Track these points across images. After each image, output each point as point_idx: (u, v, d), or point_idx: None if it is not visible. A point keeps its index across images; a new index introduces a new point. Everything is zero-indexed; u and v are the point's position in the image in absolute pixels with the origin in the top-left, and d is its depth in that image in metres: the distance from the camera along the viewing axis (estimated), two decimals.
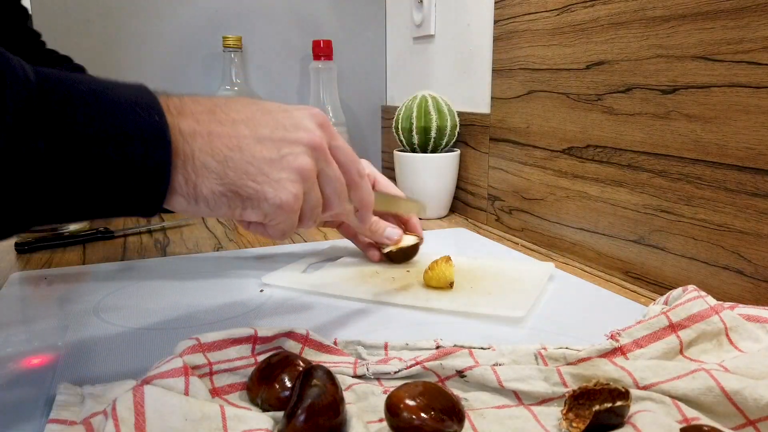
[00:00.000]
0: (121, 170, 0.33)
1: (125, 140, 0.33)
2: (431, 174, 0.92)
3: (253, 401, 0.37)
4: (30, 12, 0.75)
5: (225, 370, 0.39)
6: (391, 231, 0.63)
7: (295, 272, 0.63)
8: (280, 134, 0.40)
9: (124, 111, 0.34)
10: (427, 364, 0.39)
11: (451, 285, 0.57)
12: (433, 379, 0.39)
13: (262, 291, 0.59)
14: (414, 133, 0.91)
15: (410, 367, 0.39)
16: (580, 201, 0.70)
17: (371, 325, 0.51)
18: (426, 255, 0.68)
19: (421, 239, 0.66)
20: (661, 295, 0.52)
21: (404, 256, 0.65)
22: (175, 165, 0.36)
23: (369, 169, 0.67)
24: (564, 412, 0.35)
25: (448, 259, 0.58)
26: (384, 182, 0.65)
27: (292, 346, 0.42)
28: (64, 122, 0.31)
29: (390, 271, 0.63)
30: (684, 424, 0.31)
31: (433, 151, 0.93)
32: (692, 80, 0.54)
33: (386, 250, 0.64)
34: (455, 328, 0.50)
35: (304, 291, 0.59)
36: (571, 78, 0.70)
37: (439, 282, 0.57)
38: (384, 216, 0.66)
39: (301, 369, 0.37)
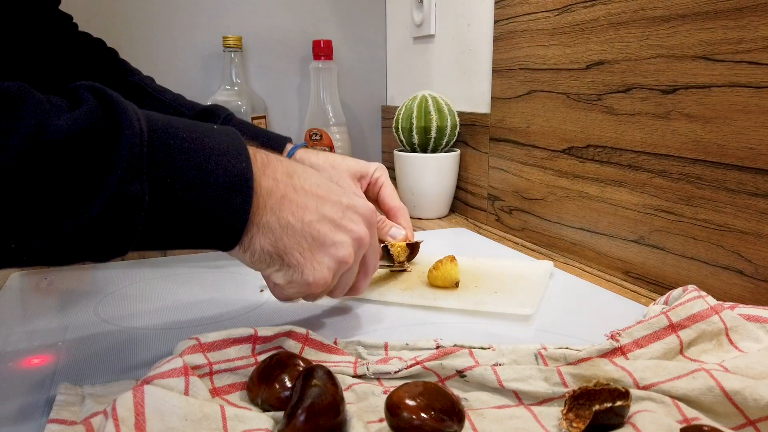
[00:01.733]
0: (207, 212, 0.37)
1: (217, 183, 0.37)
2: (431, 174, 0.92)
3: (253, 401, 0.37)
4: None
5: (225, 370, 0.39)
6: (395, 231, 0.65)
7: None
8: (339, 220, 0.43)
9: (218, 158, 0.37)
10: (428, 364, 0.39)
11: (456, 284, 0.57)
12: (433, 379, 0.39)
13: (262, 291, 0.59)
14: (414, 133, 0.91)
15: (410, 366, 0.39)
16: (580, 201, 0.70)
17: (372, 325, 0.51)
18: (427, 255, 0.68)
19: (420, 241, 0.66)
20: (661, 295, 0.52)
21: (406, 253, 0.65)
22: (252, 212, 0.39)
23: (380, 173, 0.67)
24: (564, 412, 0.35)
25: (452, 258, 0.58)
26: (388, 192, 0.66)
27: (292, 346, 0.42)
28: (166, 169, 0.35)
29: (390, 272, 0.63)
30: (684, 424, 0.31)
31: (433, 151, 0.93)
32: (692, 80, 0.54)
33: (391, 243, 0.64)
34: (456, 328, 0.50)
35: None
36: (571, 78, 0.70)
37: (444, 282, 0.57)
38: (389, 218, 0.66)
39: (301, 369, 0.37)
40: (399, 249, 0.63)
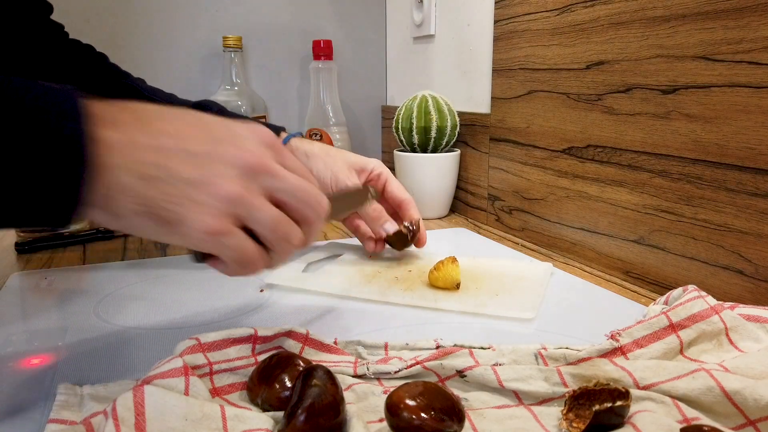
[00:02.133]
0: (30, 180, 0.31)
1: (30, 151, 0.30)
2: (431, 174, 0.92)
3: (253, 401, 0.37)
4: (53, 7, 0.75)
5: (225, 370, 0.39)
6: (389, 225, 0.66)
7: (296, 272, 0.63)
8: (210, 150, 0.35)
9: (41, 115, 0.31)
10: (428, 364, 0.39)
11: (457, 286, 0.57)
12: (434, 379, 0.39)
13: (262, 291, 0.59)
14: (414, 133, 0.91)
15: (410, 366, 0.39)
16: (580, 201, 0.70)
17: (372, 325, 0.51)
18: (428, 255, 0.68)
19: (415, 229, 0.66)
20: (661, 295, 0.52)
21: (403, 241, 0.66)
22: (89, 177, 0.32)
23: (381, 168, 0.68)
24: (564, 412, 0.35)
25: (453, 259, 0.58)
26: (395, 186, 0.67)
27: (292, 346, 0.42)
28: None
29: (392, 271, 0.63)
30: (684, 424, 0.31)
31: (434, 151, 0.93)
32: (692, 80, 0.54)
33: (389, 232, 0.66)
34: (456, 328, 0.50)
35: (307, 291, 0.58)
36: (571, 78, 0.70)
37: (445, 283, 0.57)
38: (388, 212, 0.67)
39: (301, 369, 0.37)
40: (392, 238, 0.65)
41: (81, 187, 0.31)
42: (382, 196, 0.68)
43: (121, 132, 0.33)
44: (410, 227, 0.65)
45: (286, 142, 0.68)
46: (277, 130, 0.70)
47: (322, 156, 0.66)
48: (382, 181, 0.68)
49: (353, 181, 0.65)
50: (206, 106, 0.71)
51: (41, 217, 0.32)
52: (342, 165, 0.66)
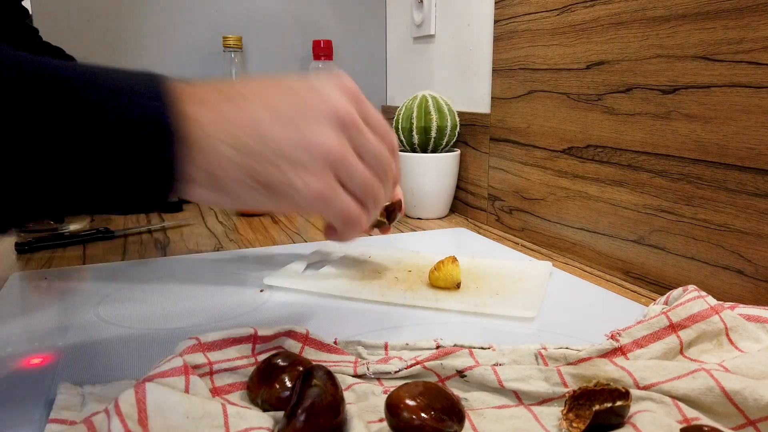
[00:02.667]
0: (122, 163, 0.31)
1: (121, 130, 0.30)
2: (431, 174, 0.92)
3: (253, 401, 0.37)
4: (30, 12, 0.76)
5: (225, 370, 0.39)
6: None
7: (296, 273, 0.63)
8: (300, 107, 0.35)
9: (122, 99, 0.30)
10: (428, 364, 0.39)
11: (458, 286, 0.57)
12: (434, 379, 0.39)
13: (262, 291, 0.59)
14: (414, 133, 0.91)
15: (410, 366, 0.39)
16: (580, 201, 0.70)
17: (372, 325, 0.51)
18: (429, 255, 0.68)
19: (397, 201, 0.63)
20: (661, 295, 0.52)
21: (381, 224, 0.63)
22: (184, 155, 0.32)
23: None
24: (564, 412, 0.35)
25: (454, 259, 0.58)
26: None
27: (292, 346, 0.42)
28: (60, 110, 0.29)
29: (392, 271, 0.63)
30: (684, 424, 0.31)
31: (434, 151, 0.93)
32: (692, 80, 0.54)
33: None
34: (456, 328, 0.50)
35: (307, 293, 0.58)
36: (571, 78, 0.70)
37: (446, 282, 0.57)
38: None
39: (301, 369, 0.37)
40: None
41: (175, 163, 0.31)
42: None
43: (209, 107, 0.33)
44: (386, 207, 0.62)
45: None
46: None
47: None
48: None
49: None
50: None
51: (144, 197, 0.32)
52: None
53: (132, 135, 0.30)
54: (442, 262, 0.58)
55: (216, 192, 0.34)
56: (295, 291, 0.59)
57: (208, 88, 0.35)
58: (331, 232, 0.41)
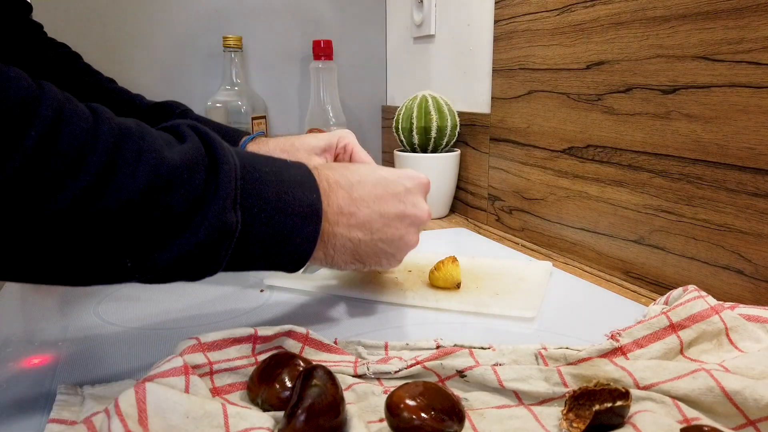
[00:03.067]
0: (284, 238, 0.41)
1: (293, 213, 0.41)
2: (431, 174, 0.91)
3: (253, 401, 0.37)
4: (32, 7, 0.76)
5: (225, 370, 0.39)
6: None
7: (296, 273, 0.63)
8: (403, 212, 0.48)
9: (294, 190, 0.42)
10: (428, 364, 0.39)
11: (458, 286, 0.57)
12: (434, 379, 0.39)
13: (262, 291, 0.59)
14: (414, 133, 0.91)
15: (411, 366, 0.39)
16: (580, 201, 0.70)
17: (372, 325, 0.51)
18: (428, 255, 0.68)
19: None
20: (662, 295, 0.52)
21: None
22: (320, 240, 0.44)
23: (349, 138, 0.65)
24: (564, 412, 0.35)
25: (454, 259, 0.58)
26: (361, 157, 0.65)
27: (292, 346, 0.42)
28: (254, 199, 0.39)
29: (392, 271, 0.63)
30: (684, 424, 0.31)
31: (434, 151, 0.93)
32: (692, 80, 0.54)
33: None
34: (456, 328, 0.50)
35: (308, 293, 0.58)
36: (572, 78, 0.70)
37: (446, 282, 0.57)
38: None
39: (301, 369, 0.37)
40: None
41: (315, 245, 0.43)
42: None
43: (340, 202, 0.45)
44: None
45: (244, 146, 0.66)
46: (238, 135, 0.68)
47: (278, 153, 0.64)
48: (349, 152, 0.66)
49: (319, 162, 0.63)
50: (171, 107, 0.71)
51: (283, 265, 0.43)
52: (303, 155, 0.64)
53: (296, 219, 0.41)
54: (442, 262, 0.58)
55: (325, 262, 0.46)
56: (296, 291, 0.59)
57: (341, 190, 0.46)
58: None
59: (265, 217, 0.39)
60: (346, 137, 0.65)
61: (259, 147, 0.65)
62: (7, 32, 0.72)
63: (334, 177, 0.46)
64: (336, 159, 0.65)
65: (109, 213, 0.32)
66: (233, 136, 0.68)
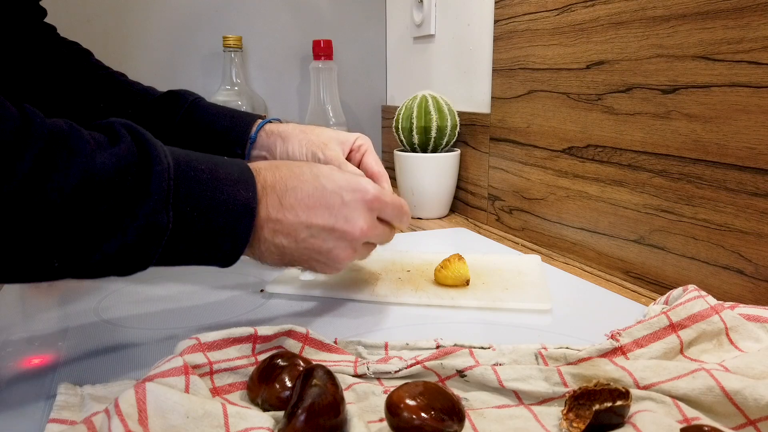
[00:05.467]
0: (216, 236, 0.41)
1: (227, 212, 0.41)
2: (431, 174, 0.92)
3: (253, 401, 0.37)
4: (47, 12, 0.76)
5: (225, 370, 0.39)
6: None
7: (296, 277, 0.62)
8: (333, 225, 0.47)
9: (229, 188, 0.42)
10: (428, 364, 0.39)
11: (467, 282, 0.57)
12: (434, 379, 0.39)
13: (262, 291, 0.59)
14: (414, 132, 0.91)
15: (411, 366, 0.39)
16: (580, 201, 0.70)
17: (372, 325, 0.51)
18: (420, 254, 0.68)
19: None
20: (662, 294, 0.52)
21: None
22: (250, 242, 0.44)
23: (364, 141, 0.66)
24: (564, 411, 0.35)
25: (460, 257, 0.58)
26: (371, 159, 0.65)
27: (292, 345, 0.42)
28: (186, 198, 0.39)
29: (390, 273, 0.63)
30: (684, 424, 0.31)
31: (434, 150, 0.93)
32: (692, 80, 0.54)
33: None
34: (456, 328, 0.50)
35: (312, 297, 0.58)
36: (572, 78, 0.70)
37: (455, 280, 0.57)
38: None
39: (301, 369, 0.37)
40: None
41: (246, 244, 0.43)
42: (358, 167, 0.66)
43: (269, 209, 0.45)
44: None
45: (259, 128, 0.67)
46: (251, 119, 0.68)
47: (297, 134, 0.65)
48: (362, 153, 0.66)
49: (336, 152, 0.64)
50: (181, 95, 0.72)
51: (216, 260, 0.43)
52: (326, 138, 0.65)
53: (231, 216, 0.42)
54: (448, 260, 0.58)
55: (258, 261, 0.47)
56: (303, 297, 0.58)
57: (273, 193, 0.45)
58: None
59: (198, 216, 0.40)
60: (363, 139, 0.66)
61: (277, 127, 0.66)
62: (23, 35, 0.72)
63: (271, 180, 0.46)
64: (349, 156, 0.65)
65: (37, 215, 0.33)
66: (246, 119, 0.68)
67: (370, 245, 0.51)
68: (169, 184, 0.38)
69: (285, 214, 0.45)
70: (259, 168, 0.46)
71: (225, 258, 0.44)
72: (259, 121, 0.68)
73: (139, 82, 0.77)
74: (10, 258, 0.34)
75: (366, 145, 0.66)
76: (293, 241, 0.46)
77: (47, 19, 0.77)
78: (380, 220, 0.50)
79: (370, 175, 0.66)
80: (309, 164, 0.50)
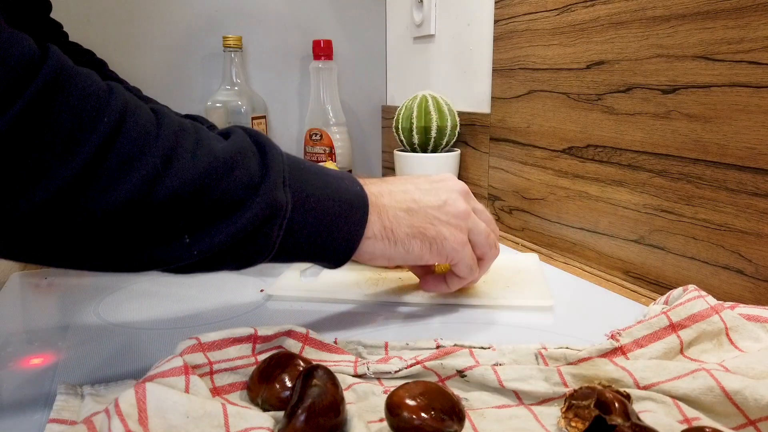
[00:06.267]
0: (333, 222, 0.43)
1: (340, 201, 0.43)
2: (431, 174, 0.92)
3: (253, 401, 0.37)
4: (52, 6, 0.75)
5: (225, 370, 0.39)
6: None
7: (296, 279, 0.62)
8: (435, 185, 0.49)
9: (337, 181, 0.44)
10: (428, 364, 0.39)
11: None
12: (434, 379, 0.39)
13: (262, 291, 0.59)
14: (414, 132, 0.91)
15: (411, 366, 0.39)
16: (580, 201, 0.70)
17: (372, 325, 0.51)
18: None
19: None
20: (662, 294, 0.52)
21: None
22: (373, 216, 0.45)
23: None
24: (563, 410, 0.35)
25: None
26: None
27: (292, 346, 0.42)
28: (301, 183, 0.42)
29: (390, 274, 0.63)
30: (685, 424, 0.31)
31: (434, 150, 0.93)
32: (692, 80, 0.54)
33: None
34: (456, 328, 0.50)
35: (313, 297, 0.57)
36: (571, 78, 0.69)
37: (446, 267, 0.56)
38: None
39: (301, 369, 0.37)
40: None
41: (366, 219, 0.45)
42: None
43: (378, 187, 0.48)
44: None
45: None
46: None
47: None
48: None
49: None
50: (197, 120, 0.72)
51: (333, 252, 0.44)
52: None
53: (351, 207, 0.44)
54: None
55: (391, 243, 0.46)
56: (304, 299, 0.57)
57: (375, 181, 0.49)
58: (431, 282, 0.54)
59: (314, 201, 0.42)
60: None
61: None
62: (29, 32, 0.73)
63: (370, 180, 0.49)
64: None
65: (170, 195, 0.35)
66: None
67: (474, 262, 0.51)
68: (284, 168, 0.41)
69: (395, 184, 0.49)
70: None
71: (343, 247, 0.44)
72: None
73: (154, 99, 0.76)
74: (148, 236, 0.35)
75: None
76: (413, 201, 0.48)
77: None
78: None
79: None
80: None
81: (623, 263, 0.64)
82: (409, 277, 0.61)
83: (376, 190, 0.47)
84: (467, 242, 0.49)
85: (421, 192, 0.48)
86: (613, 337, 0.41)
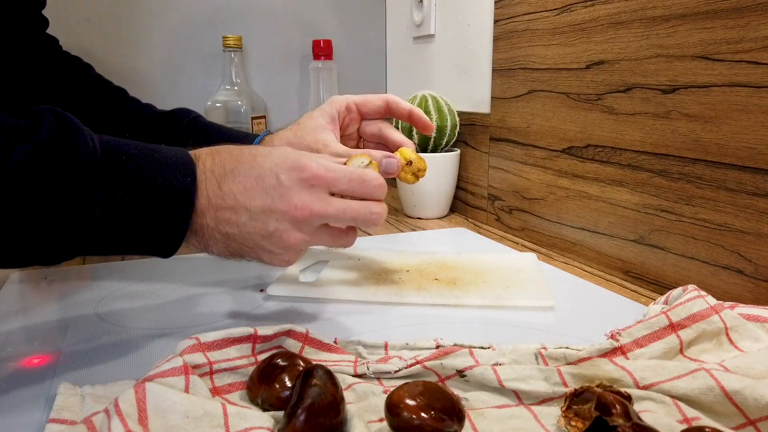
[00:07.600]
0: (152, 220, 0.41)
1: (162, 197, 0.41)
2: (431, 174, 0.91)
3: (253, 401, 0.37)
4: (49, 22, 0.76)
5: (225, 370, 0.39)
6: (387, 162, 0.55)
7: (296, 279, 0.62)
8: (270, 205, 0.45)
9: (165, 173, 0.42)
10: (428, 364, 0.39)
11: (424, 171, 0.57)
12: (434, 379, 0.39)
13: (262, 291, 0.59)
14: (414, 132, 0.91)
15: (410, 366, 0.39)
16: (580, 201, 0.70)
17: (372, 325, 0.51)
18: (416, 253, 0.68)
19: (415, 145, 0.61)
20: (661, 294, 0.52)
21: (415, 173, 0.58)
22: (191, 236, 0.45)
23: (338, 101, 0.63)
24: (563, 409, 0.35)
25: (412, 150, 0.57)
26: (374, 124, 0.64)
27: (292, 345, 0.42)
28: (117, 183, 0.39)
29: (390, 274, 0.63)
30: (685, 424, 0.31)
31: (433, 150, 0.92)
32: (692, 80, 0.54)
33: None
34: (456, 328, 0.50)
35: (312, 297, 0.57)
36: (571, 78, 0.70)
37: (420, 172, 0.57)
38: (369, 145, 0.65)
39: (301, 368, 0.37)
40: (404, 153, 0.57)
41: (188, 225, 0.43)
42: (378, 132, 0.64)
43: (209, 198, 0.44)
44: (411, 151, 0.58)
45: (257, 142, 0.65)
46: (251, 137, 0.67)
47: (291, 138, 0.62)
48: (353, 111, 0.64)
49: (331, 138, 0.60)
50: (177, 115, 0.71)
51: (153, 248, 0.43)
52: (314, 127, 0.61)
53: (170, 205, 0.42)
54: (400, 151, 0.56)
55: (205, 251, 0.46)
56: (305, 300, 0.57)
57: (211, 177, 0.45)
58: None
59: (129, 200, 0.40)
60: (337, 102, 0.62)
61: (272, 139, 0.65)
62: (25, 46, 0.73)
63: (210, 165, 0.45)
64: (342, 126, 0.63)
65: None
66: (243, 137, 0.68)
67: (336, 229, 0.48)
68: (95, 168, 0.38)
69: (224, 199, 0.44)
70: (199, 154, 0.45)
71: (164, 244, 0.43)
72: (257, 137, 0.68)
73: (137, 99, 0.76)
74: None
75: (341, 102, 0.62)
76: (235, 227, 0.45)
77: (49, 30, 0.77)
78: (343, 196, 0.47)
79: (370, 137, 0.64)
80: (250, 146, 0.48)
81: (623, 263, 0.64)
82: (409, 277, 0.61)
83: (205, 203, 0.44)
84: (297, 254, 0.47)
85: (248, 215, 0.44)
86: (612, 337, 0.41)
